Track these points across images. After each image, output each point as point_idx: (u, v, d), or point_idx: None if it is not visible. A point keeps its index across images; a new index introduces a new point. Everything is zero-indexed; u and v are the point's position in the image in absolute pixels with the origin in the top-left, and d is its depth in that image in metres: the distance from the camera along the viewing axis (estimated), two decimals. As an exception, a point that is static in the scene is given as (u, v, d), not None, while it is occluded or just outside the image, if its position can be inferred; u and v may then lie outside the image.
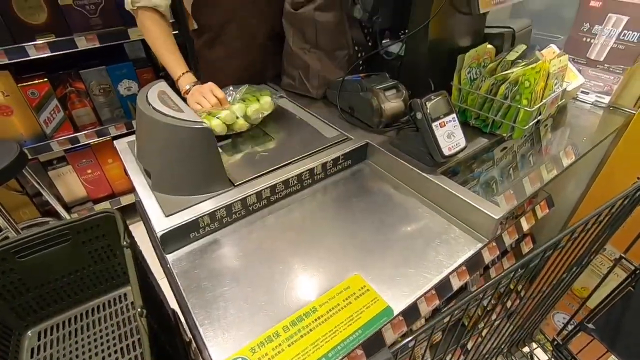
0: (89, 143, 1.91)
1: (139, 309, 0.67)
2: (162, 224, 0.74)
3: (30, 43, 1.55)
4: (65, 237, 1.08)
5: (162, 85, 0.90)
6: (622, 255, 0.95)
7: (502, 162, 1.05)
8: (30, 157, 1.80)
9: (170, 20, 1.24)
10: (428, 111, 0.82)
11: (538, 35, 1.30)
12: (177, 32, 1.86)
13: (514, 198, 0.95)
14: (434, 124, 0.82)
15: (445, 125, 0.84)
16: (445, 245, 0.77)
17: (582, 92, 1.18)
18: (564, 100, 1.06)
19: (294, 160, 0.91)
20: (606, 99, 1.14)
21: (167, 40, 1.11)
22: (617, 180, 1.25)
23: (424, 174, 0.86)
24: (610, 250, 1.25)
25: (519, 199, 0.98)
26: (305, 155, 0.93)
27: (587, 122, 1.16)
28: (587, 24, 1.13)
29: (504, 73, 0.95)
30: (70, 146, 1.87)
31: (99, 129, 1.91)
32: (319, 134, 1.02)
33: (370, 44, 1.23)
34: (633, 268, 0.97)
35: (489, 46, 1.06)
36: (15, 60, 1.57)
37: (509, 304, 1.19)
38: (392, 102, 0.99)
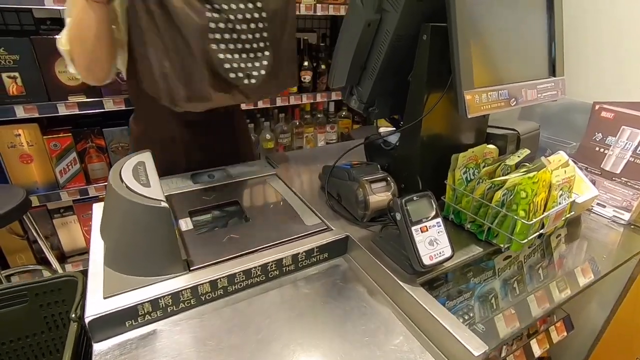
0: (97, 195, 1.95)
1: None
2: (94, 307, 0.66)
3: (62, 102, 1.68)
4: (22, 297, 1.03)
5: (145, 156, 0.89)
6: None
7: (504, 274, 0.92)
8: (39, 203, 1.84)
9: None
10: (408, 213, 0.74)
11: (548, 140, 1.24)
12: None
13: (516, 319, 0.81)
14: (413, 228, 0.74)
15: (427, 230, 0.75)
16: (413, 378, 0.64)
17: (599, 204, 1.07)
18: (573, 212, 0.95)
19: (262, 248, 0.84)
20: (626, 216, 1.02)
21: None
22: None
23: (400, 282, 0.76)
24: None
25: (521, 321, 0.83)
26: (277, 243, 0.86)
27: (607, 238, 1.03)
28: (600, 134, 1.06)
29: (502, 178, 0.87)
30: (79, 197, 1.92)
31: (110, 183, 1.96)
32: (299, 220, 0.96)
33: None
34: None
35: (491, 146, 1.01)
36: (46, 115, 1.70)
37: None
38: (378, 196, 0.92)
